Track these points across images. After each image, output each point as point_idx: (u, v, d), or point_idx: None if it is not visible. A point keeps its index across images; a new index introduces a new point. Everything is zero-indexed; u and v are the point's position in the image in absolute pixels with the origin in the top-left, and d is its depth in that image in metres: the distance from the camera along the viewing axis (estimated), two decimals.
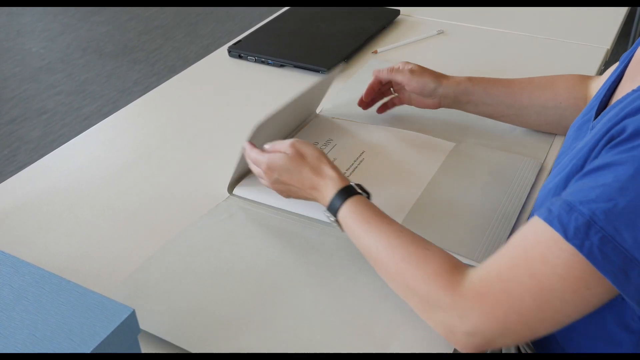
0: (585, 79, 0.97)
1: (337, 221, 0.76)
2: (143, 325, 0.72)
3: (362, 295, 0.76)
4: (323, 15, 1.45)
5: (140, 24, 3.70)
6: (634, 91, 0.64)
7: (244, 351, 0.69)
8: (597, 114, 0.74)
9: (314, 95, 1.03)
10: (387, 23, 1.43)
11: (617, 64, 0.82)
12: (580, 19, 1.43)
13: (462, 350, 0.64)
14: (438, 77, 0.98)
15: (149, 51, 3.38)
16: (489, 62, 1.28)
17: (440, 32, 1.40)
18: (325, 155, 0.80)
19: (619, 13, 1.44)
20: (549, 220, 0.58)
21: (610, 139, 0.60)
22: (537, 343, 0.83)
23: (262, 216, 0.89)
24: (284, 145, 0.81)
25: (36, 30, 3.69)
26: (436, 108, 1.02)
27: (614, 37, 1.34)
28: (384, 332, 0.71)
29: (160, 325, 0.73)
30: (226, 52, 1.34)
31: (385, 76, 1.00)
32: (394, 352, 0.69)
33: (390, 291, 0.75)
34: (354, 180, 0.79)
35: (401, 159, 0.97)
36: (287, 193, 0.83)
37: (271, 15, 1.49)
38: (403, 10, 1.50)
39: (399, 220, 0.84)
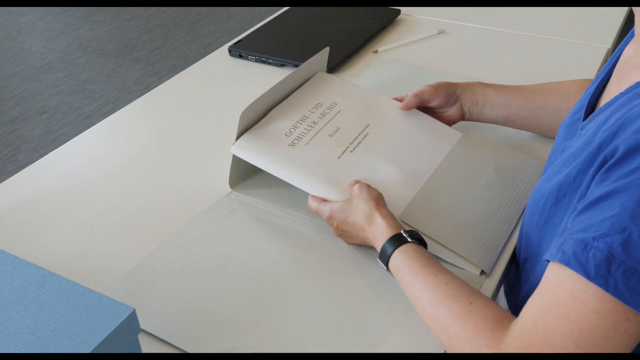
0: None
1: (389, 271, 0.75)
2: (141, 323, 0.72)
3: (355, 294, 0.76)
4: (323, 15, 1.45)
5: (140, 23, 3.70)
6: (622, 94, 0.64)
7: (239, 349, 0.70)
8: (587, 113, 0.75)
9: (305, 74, 1.00)
10: (388, 23, 1.43)
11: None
12: (581, 19, 1.42)
13: None
14: (454, 83, 0.99)
15: (150, 50, 3.38)
16: (489, 62, 1.28)
17: (441, 32, 1.40)
18: (381, 200, 0.80)
19: (619, 13, 1.44)
20: (565, 262, 0.56)
21: (604, 161, 0.59)
22: None
23: (263, 212, 0.89)
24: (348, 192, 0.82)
25: (37, 29, 3.69)
26: (459, 120, 1.00)
27: (614, 37, 1.34)
28: (375, 332, 0.71)
29: (158, 323, 0.73)
30: (227, 52, 1.34)
31: (413, 103, 0.97)
32: (385, 352, 0.69)
33: (383, 291, 0.76)
34: (363, 173, 0.77)
35: (407, 141, 0.94)
36: (350, 241, 0.83)
37: (272, 14, 1.50)
38: (403, 10, 1.50)
39: (400, 209, 0.83)
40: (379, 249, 0.75)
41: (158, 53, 3.35)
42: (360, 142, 0.91)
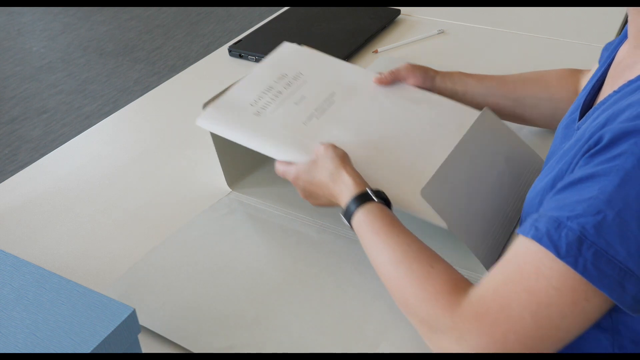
0: (575, 73, 0.98)
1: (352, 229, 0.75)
2: (140, 320, 0.72)
3: (355, 295, 0.76)
4: (323, 15, 1.45)
5: (140, 23, 3.70)
6: (615, 92, 0.65)
7: (238, 348, 0.70)
8: (582, 113, 0.75)
9: None
10: (388, 23, 1.43)
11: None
12: (581, 19, 1.42)
13: None
14: (435, 70, 0.99)
15: (150, 50, 3.38)
16: (489, 62, 1.28)
17: (441, 32, 1.40)
18: (346, 158, 0.79)
19: (619, 13, 1.44)
20: (537, 239, 0.57)
21: (588, 148, 0.59)
22: None
23: (263, 212, 0.89)
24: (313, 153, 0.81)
25: (37, 29, 3.69)
26: None
27: (614, 37, 1.34)
28: (375, 331, 0.71)
29: (157, 321, 0.73)
30: (227, 52, 1.34)
31: (388, 79, 0.97)
32: (384, 352, 0.69)
33: (382, 291, 0.76)
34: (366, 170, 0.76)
35: (378, 109, 0.90)
36: (316, 202, 0.82)
37: (272, 14, 1.50)
38: (403, 10, 1.50)
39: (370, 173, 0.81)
40: (343, 206, 0.75)
41: (158, 53, 3.35)
42: (326, 109, 0.90)
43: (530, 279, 0.57)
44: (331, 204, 0.80)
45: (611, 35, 1.34)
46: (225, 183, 0.94)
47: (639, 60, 0.66)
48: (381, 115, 0.90)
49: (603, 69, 0.76)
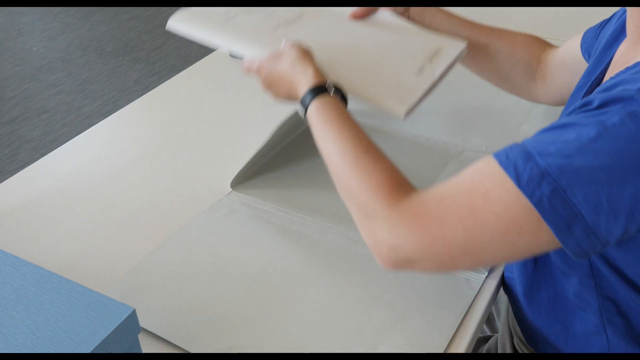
0: (543, 43, 0.99)
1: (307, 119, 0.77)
2: (140, 321, 0.72)
3: (355, 294, 0.76)
4: None
5: (140, 23, 3.70)
6: (611, 78, 0.65)
7: (238, 349, 0.70)
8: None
9: None
10: None
11: (576, 35, 0.92)
12: (581, 19, 1.42)
13: (382, 264, 0.64)
14: (412, 7, 0.98)
15: (150, 50, 3.38)
16: None
17: None
18: (309, 54, 0.80)
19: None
20: (504, 165, 0.59)
21: (581, 106, 0.62)
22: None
23: (263, 212, 0.89)
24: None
25: (37, 29, 3.69)
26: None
27: None
28: (375, 331, 0.71)
29: (157, 322, 0.73)
30: (227, 52, 1.34)
31: (362, 11, 0.94)
32: (384, 352, 0.69)
33: (382, 291, 0.76)
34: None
35: (347, 27, 0.92)
36: (277, 94, 0.82)
37: None
38: None
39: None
40: (300, 95, 0.76)
41: (158, 53, 3.35)
42: (294, 22, 0.92)
43: (477, 198, 0.60)
44: (290, 96, 0.81)
45: None
46: (225, 183, 0.94)
47: (636, 56, 0.66)
48: (349, 31, 0.92)
49: (603, 66, 0.77)
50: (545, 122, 0.98)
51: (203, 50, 3.30)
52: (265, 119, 1.12)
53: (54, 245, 0.86)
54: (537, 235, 0.58)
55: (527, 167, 0.57)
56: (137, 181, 0.98)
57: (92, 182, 0.98)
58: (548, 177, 0.56)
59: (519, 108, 1.10)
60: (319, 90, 0.75)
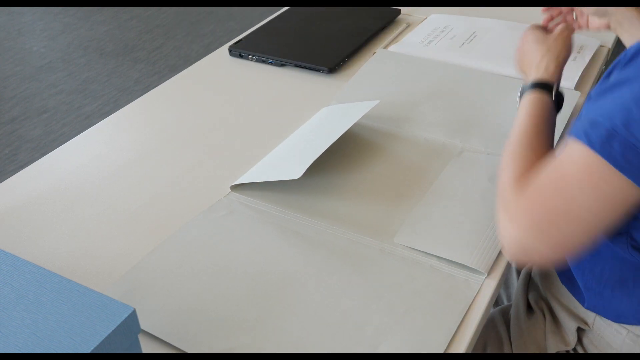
0: None
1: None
2: (140, 323, 0.72)
3: (355, 294, 0.76)
4: (323, 14, 1.45)
5: (141, 23, 3.70)
6: None
7: (238, 349, 0.70)
8: None
9: None
10: (388, 23, 1.43)
11: None
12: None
13: (507, 255, 0.73)
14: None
15: (150, 50, 3.38)
16: None
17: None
18: (563, 52, 0.89)
19: None
20: (580, 137, 0.65)
21: (617, 64, 0.67)
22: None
23: (262, 213, 0.89)
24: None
25: (37, 29, 3.69)
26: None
27: (615, 37, 1.34)
28: (375, 331, 0.71)
29: (157, 323, 0.73)
30: (227, 52, 1.34)
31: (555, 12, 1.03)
32: (384, 352, 0.69)
33: (382, 291, 0.76)
34: None
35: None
36: (522, 58, 0.93)
37: (272, 14, 1.50)
38: (403, 10, 1.50)
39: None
40: (528, 79, 0.87)
41: (158, 53, 3.35)
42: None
43: (567, 176, 0.66)
44: (524, 68, 0.91)
45: (611, 35, 1.34)
46: (224, 183, 0.94)
47: None
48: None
49: None
50: None
51: (203, 50, 3.27)
52: (265, 119, 1.12)
53: (54, 245, 0.86)
54: (624, 192, 0.63)
55: (596, 132, 0.63)
56: (137, 181, 0.98)
57: (92, 182, 0.98)
58: (616, 135, 0.62)
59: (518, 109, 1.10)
60: (541, 86, 0.84)
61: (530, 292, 0.96)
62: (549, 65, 0.87)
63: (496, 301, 1.07)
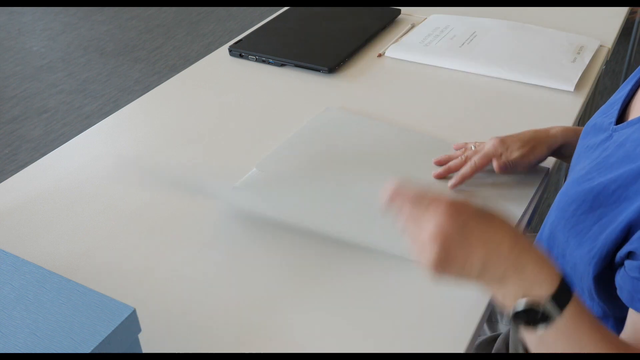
0: None
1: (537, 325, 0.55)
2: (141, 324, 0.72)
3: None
4: (324, 14, 1.45)
5: (141, 23, 3.70)
6: None
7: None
8: (619, 115, 0.74)
9: None
10: (388, 23, 1.43)
11: None
12: (580, 19, 1.42)
13: None
14: (541, 139, 0.89)
15: (150, 50, 3.38)
16: None
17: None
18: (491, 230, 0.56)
19: (619, 13, 1.44)
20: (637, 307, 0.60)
21: None
22: None
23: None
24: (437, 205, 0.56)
25: (37, 29, 3.69)
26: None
27: (615, 37, 1.34)
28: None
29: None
30: (227, 51, 1.34)
31: (482, 163, 0.88)
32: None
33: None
34: None
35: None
36: (455, 268, 0.56)
37: (272, 14, 1.50)
38: (404, 10, 1.50)
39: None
40: (533, 297, 0.54)
41: (158, 53, 3.35)
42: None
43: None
44: (490, 281, 0.56)
45: (611, 35, 1.34)
46: (225, 183, 0.94)
47: None
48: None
49: (632, 84, 0.76)
50: (547, 120, 0.99)
51: (203, 50, 3.27)
52: (265, 119, 1.12)
53: (55, 245, 0.86)
54: None
55: None
56: (137, 181, 0.98)
57: (92, 182, 0.98)
58: None
59: (518, 108, 1.10)
60: (562, 296, 0.54)
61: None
62: (532, 256, 0.55)
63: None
